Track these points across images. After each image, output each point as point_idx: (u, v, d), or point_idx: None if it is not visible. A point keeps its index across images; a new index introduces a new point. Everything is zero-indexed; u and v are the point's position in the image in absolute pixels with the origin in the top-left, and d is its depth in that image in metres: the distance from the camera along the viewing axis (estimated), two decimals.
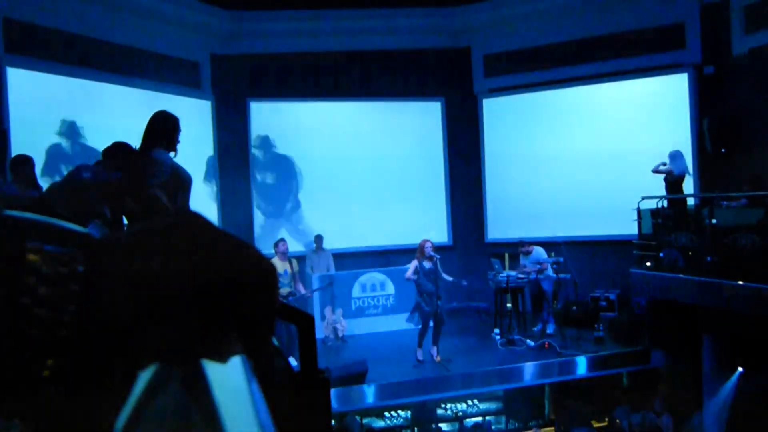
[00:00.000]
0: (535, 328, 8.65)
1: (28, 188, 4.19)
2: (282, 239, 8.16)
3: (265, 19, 10.30)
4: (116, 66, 8.81)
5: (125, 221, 3.18)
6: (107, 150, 3.78)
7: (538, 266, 8.62)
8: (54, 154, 7.88)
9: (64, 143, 8.06)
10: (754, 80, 8.61)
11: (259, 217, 10.52)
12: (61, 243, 0.55)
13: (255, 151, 10.53)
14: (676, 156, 8.09)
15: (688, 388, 7.98)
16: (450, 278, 7.69)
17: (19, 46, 7.64)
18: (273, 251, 8.00)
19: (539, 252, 8.80)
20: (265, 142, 10.59)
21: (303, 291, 8.09)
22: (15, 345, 0.53)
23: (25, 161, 4.45)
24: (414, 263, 7.48)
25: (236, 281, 0.66)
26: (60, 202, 3.04)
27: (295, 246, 9.81)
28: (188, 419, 0.49)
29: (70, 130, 8.09)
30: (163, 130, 3.23)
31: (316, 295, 8.75)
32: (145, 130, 3.27)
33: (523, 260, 8.97)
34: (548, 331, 8.47)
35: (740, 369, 7.38)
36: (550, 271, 8.63)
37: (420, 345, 7.49)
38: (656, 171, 8.15)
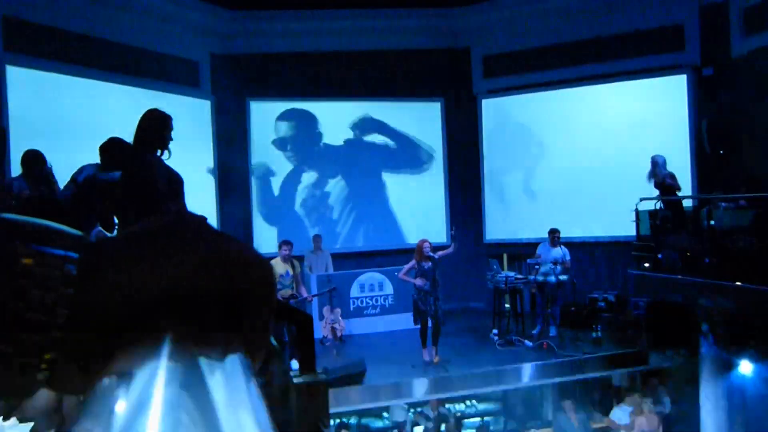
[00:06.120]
0: (533, 331, 8.59)
1: (38, 185, 4.18)
2: (287, 241, 8.10)
3: (265, 18, 10.30)
4: (116, 65, 8.81)
5: (122, 220, 3.19)
6: (103, 146, 3.80)
7: (558, 264, 8.34)
8: None
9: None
10: (753, 82, 8.61)
11: (258, 216, 10.51)
12: (54, 245, 0.55)
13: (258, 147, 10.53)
14: (664, 163, 8.04)
15: (686, 389, 7.99)
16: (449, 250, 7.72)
17: (19, 44, 7.64)
18: (275, 251, 7.98)
19: (565, 250, 8.53)
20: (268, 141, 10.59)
21: (305, 294, 8.05)
22: (8, 348, 0.53)
23: (37, 159, 4.43)
24: (411, 263, 7.50)
25: (233, 281, 0.66)
26: (68, 202, 3.05)
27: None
28: (186, 420, 0.49)
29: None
30: (154, 129, 3.18)
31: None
32: (137, 129, 3.22)
33: (542, 250, 8.60)
34: (552, 333, 8.45)
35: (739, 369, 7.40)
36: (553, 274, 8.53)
37: (424, 345, 7.47)
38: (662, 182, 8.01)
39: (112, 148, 3.71)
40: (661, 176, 7.94)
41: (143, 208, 2.91)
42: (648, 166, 8.19)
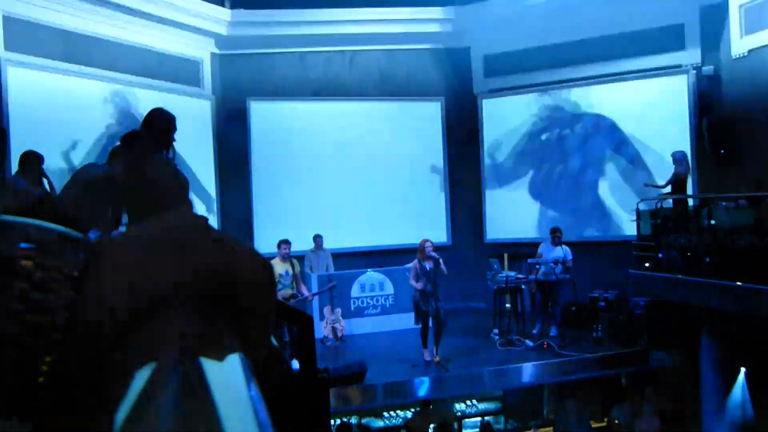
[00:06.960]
0: (534, 331, 8.58)
1: (36, 186, 4.18)
2: (285, 240, 8.09)
3: (266, 18, 10.30)
4: (116, 65, 8.81)
5: (126, 219, 3.19)
6: (124, 136, 3.80)
7: (560, 263, 8.31)
8: None
9: None
10: (753, 81, 8.61)
11: (258, 216, 10.50)
12: (55, 247, 0.55)
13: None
14: (683, 158, 8.07)
15: (687, 389, 7.98)
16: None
17: (19, 44, 7.64)
18: (274, 251, 7.97)
19: (566, 250, 8.51)
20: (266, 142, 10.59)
21: (306, 293, 8.04)
22: (9, 350, 0.53)
23: (36, 159, 4.43)
24: (414, 264, 7.49)
25: (235, 281, 0.66)
26: (70, 200, 3.04)
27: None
28: (187, 419, 0.49)
29: None
30: (158, 128, 3.20)
31: None
32: (140, 128, 3.24)
33: (544, 249, 8.59)
34: (552, 333, 8.43)
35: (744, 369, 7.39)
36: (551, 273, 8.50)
37: (425, 345, 7.46)
38: (666, 185, 8.05)
39: (127, 141, 3.70)
40: (685, 172, 7.96)
41: (153, 207, 2.91)
42: (648, 166, 8.19)
